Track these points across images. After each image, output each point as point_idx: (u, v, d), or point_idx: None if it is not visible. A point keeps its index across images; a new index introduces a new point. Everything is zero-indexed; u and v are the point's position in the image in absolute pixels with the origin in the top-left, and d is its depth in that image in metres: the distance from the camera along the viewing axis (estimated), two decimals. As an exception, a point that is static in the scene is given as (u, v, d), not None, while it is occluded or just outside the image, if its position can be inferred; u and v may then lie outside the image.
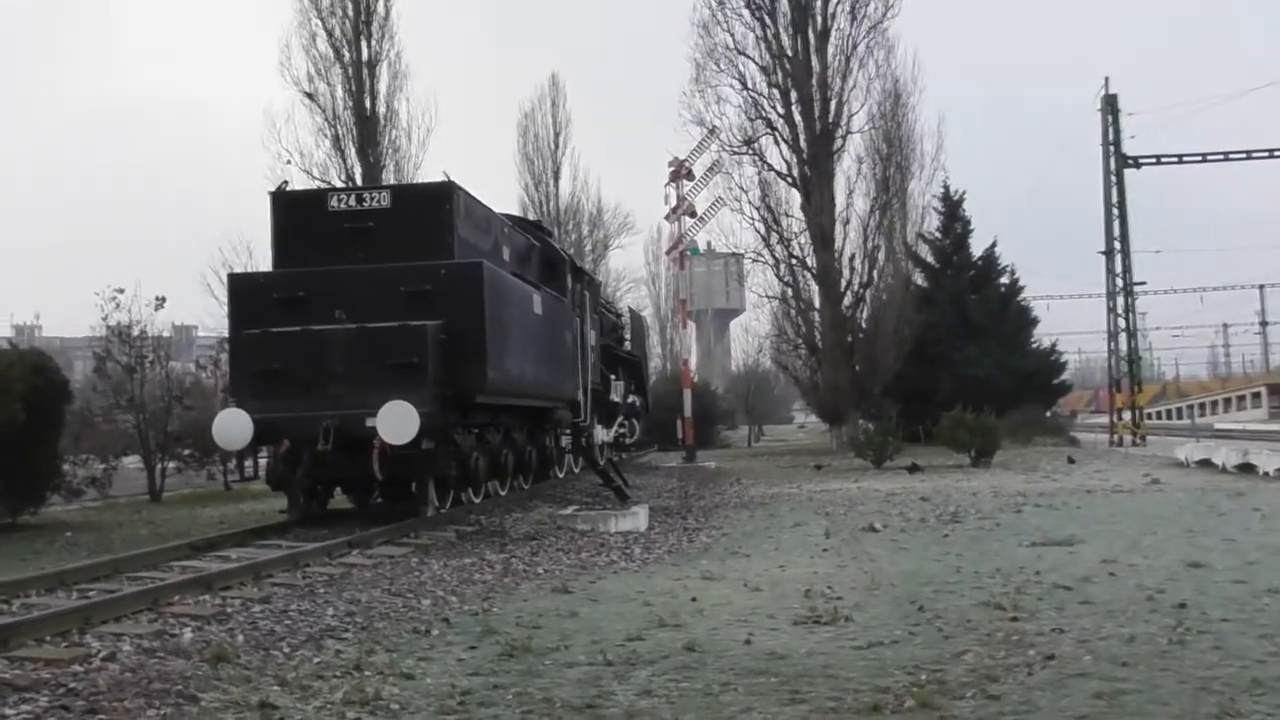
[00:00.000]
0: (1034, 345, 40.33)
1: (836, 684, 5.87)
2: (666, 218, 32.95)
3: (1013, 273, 39.93)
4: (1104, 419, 40.18)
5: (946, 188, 38.64)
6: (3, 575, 10.05)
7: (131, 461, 22.75)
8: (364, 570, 10.00)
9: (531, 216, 37.12)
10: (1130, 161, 34.70)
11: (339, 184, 28.99)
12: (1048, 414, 39.59)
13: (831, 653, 6.62)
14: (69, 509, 18.83)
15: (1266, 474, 19.06)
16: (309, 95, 29.81)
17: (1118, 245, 34.94)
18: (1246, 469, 20.00)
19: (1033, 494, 16.98)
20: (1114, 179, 34.74)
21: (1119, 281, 35.02)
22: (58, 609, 7.77)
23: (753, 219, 33.35)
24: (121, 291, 21.64)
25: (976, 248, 39.93)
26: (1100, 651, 6.42)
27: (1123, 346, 35.60)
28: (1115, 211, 34.82)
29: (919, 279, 37.84)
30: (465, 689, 5.95)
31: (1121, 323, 35.45)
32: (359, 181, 29.37)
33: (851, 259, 33.44)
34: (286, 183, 17.96)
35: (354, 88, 30.05)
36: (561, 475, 20.49)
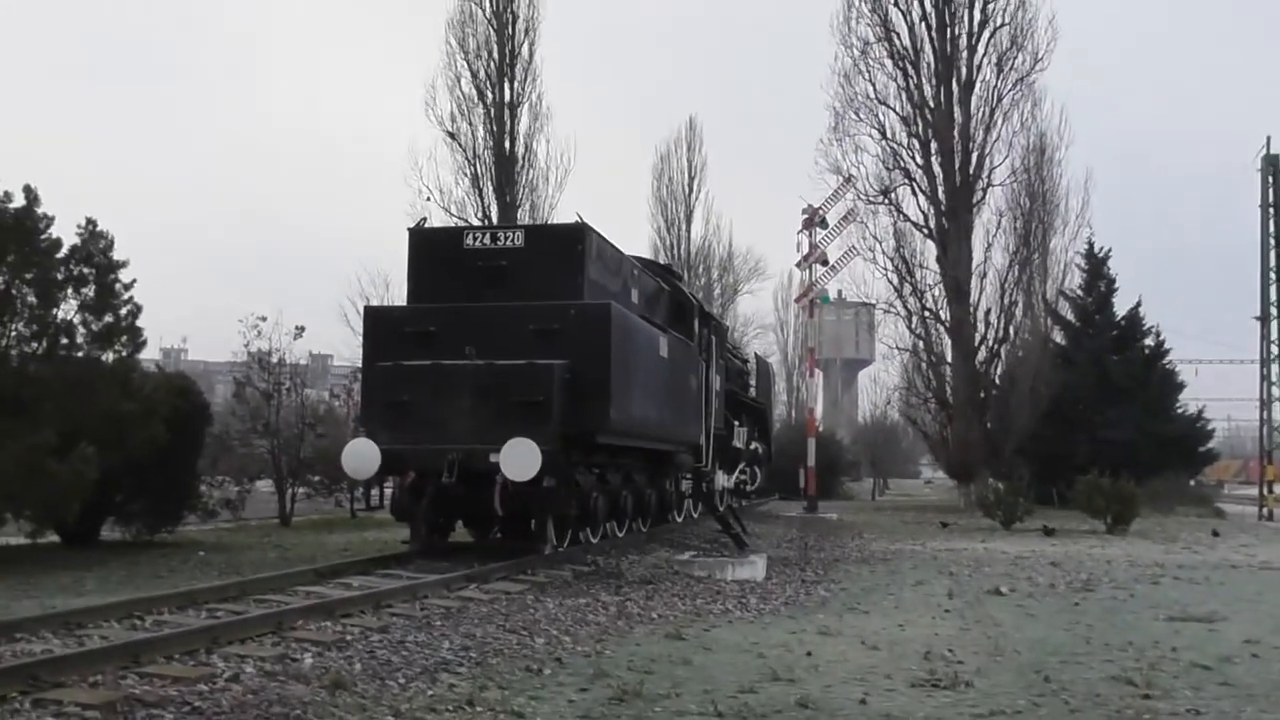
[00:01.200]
0: (1179, 410, 38.70)
1: (953, 753, 5.70)
2: (798, 265, 32.93)
3: (1158, 334, 38.59)
4: (1253, 490, 38.25)
5: (1091, 244, 37.63)
6: (139, 592, 10.53)
7: (264, 485, 23.62)
8: (480, 605, 10.14)
9: (662, 259, 37.46)
10: (1290, 223, 33.21)
11: (475, 222, 29.78)
12: (1191, 483, 37.90)
13: (949, 719, 6.45)
14: (203, 529, 19.65)
15: None
16: (451, 135, 30.75)
17: (1274, 311, 33.39)
18: None
19: (1171, 565, 16.25)
20: (1273, 242, 33.27)
21: (1275, 349, 33.45)
22: (187, 628, 8.08)
23: (886, 269, 33.00)
24: (264, 320, 22.63)
25: (1120, 307, 38.69)
26: (1240, 738, 6.11)
27: (1276, 416, 33.95)
28: (1273, 275, 33.31)
29: (1058, 337, 36.86)
30: (574, 731, 5.98)
31: (1276, 391, 33.83)
32: (495, 220, 30.09)
33: (987, 313, 32.79)
34: (425, 219, 18.56)
35: (495, 128, 30.84)
36: (680, 520, 20.46)
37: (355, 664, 7.41)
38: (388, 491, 21.09)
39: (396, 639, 8.30)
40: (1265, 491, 33.87)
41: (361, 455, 12.78)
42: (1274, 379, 33.76)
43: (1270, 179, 33.49)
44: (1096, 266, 38.36)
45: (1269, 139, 33.94)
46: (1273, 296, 33.49)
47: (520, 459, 12.11)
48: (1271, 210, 33.46)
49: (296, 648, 7.76)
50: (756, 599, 11.69)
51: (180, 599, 9.71)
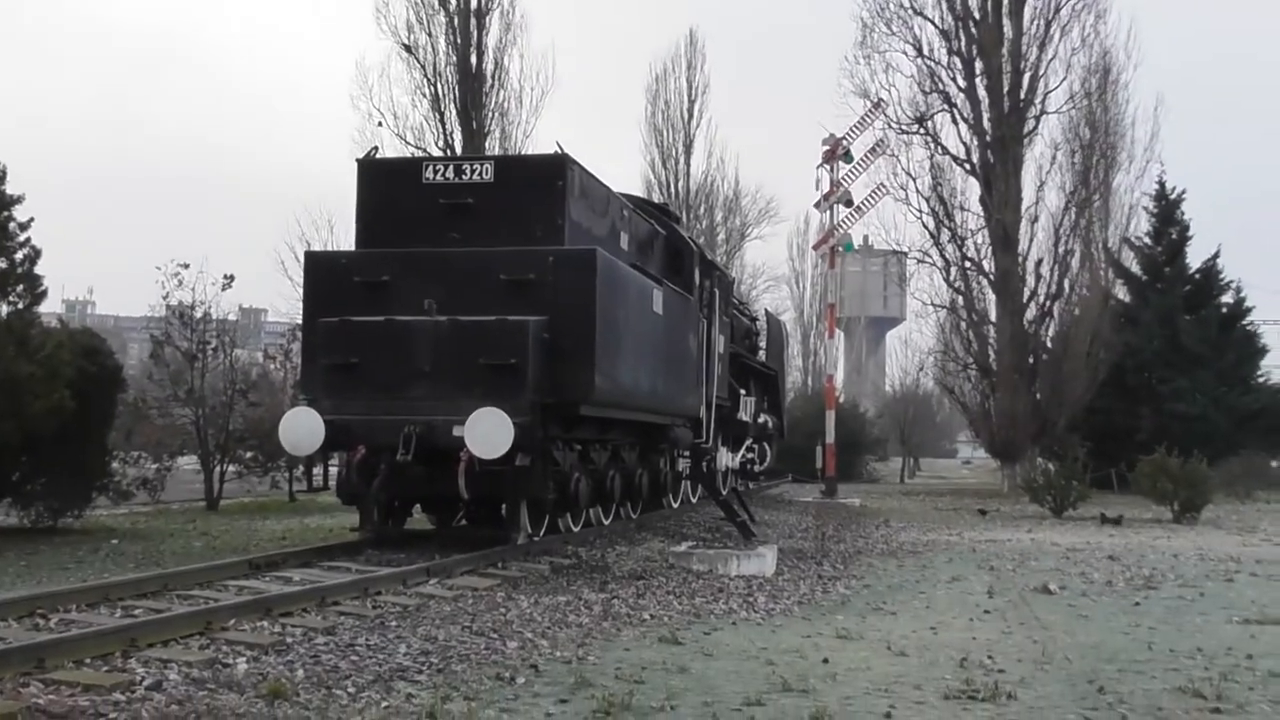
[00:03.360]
0: (1261, 380, 38.93)
1: (992, 775, 5.80)
2: (817, 205, 32.80)
3: (1238, 290, 38.73)
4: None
5: (1161, 184, 37.68)
6: (41, 586, 10.59)
7: (187, 463, 23.70)
8: (443, 603, 10.22)
9: (657, 197, 37.43)
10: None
11: (436, 152, 29.68)
12: (1274, 464, 38.20)
13: (989, 737, 6.56)
14: (116, 513, 19.72)
15: None
16: (407, 47, 30.64)
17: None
18: None
19: (1249, 560, 16.42)
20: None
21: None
22: (100, 628, 8.13)
23: (920, 211, 33.19)
24: (186, 267, 22.58)
25: (1195, 258, 38.76)
26: (1324, 759, 6.22)
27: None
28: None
29: (1121, 293, 36.97)
30: (552, 749, 6.06)
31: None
32: (459, 149, 30.01)
33: (1038, 264, 33.01)
34: (375, 149, 18.47)
35: (459, 40, 30.69)
36: (676, 505, 20.59)
37: (297, 670, 7.47)
38: (333, 470, 21.27)
39: (345, 641, 8.36)
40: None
41: (302, 427, 12.79)
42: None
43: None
44: (1168, 210, 38.39)
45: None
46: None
47: (489, 432, 12.15)
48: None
49: (228, 651, 7.82)
50: (765, 597, 11.77)
51: (91, 594, 9.76)
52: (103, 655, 7.41)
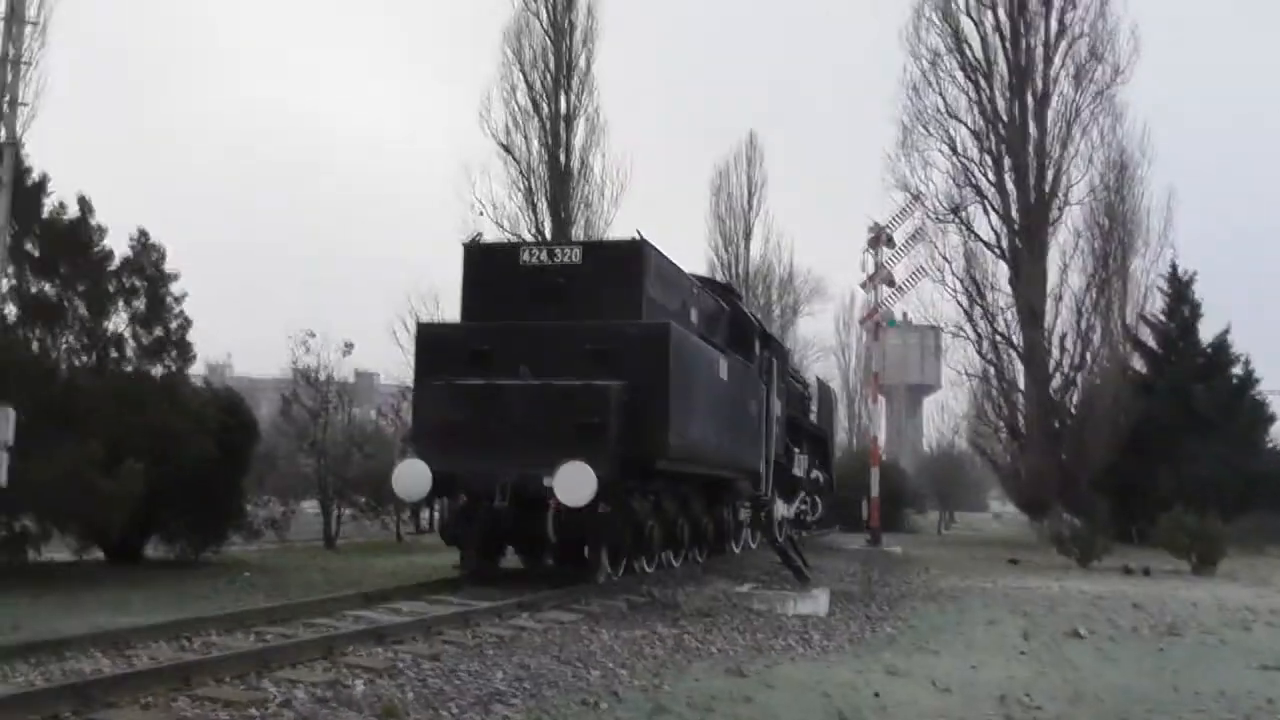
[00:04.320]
0: (1270, 445, 37.83)
1: (1035, 804, 5.62)
2: (862, 285, 32.70)
3: (1247, 362, 37.66)
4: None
5: (1174, 266, 36.90)
6: (185, 612, 10.69)
7: (309, 506, 23.89)
8: (533, 634, 10.18)
9: (720, 278, 37.41)
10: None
11: (529, 237, 29.97)
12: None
13: (1029, 768, 6.36)
14: (248, 549, 19.91)
15: None
16: (505, 148, 30.97)
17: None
18: None
19: (1264, 610, 15.84)
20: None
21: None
22: (238, 650, 8.22)
23: (955, 291, 32.79)
24: (313, 335, 22.92)
25: (1206, 333, 37.93)
26: (1343, 797, 5.95)
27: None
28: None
29: (1138, 364, 36.22)
30: (634, 769, 5.98)
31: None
32: (549, 235, 30.24)
33: (1063, 338, 32.43)
34: (479, 234, 18.69)
35: (550, 141, 31.02)
36: (738, 550, 20.36)
37: (407, 692, 7.46)
38: (437, 515, 21.31)
39: (448, 667, 8.35)
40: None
41: (413, 476, 12.89)
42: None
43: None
44: (1180, 290, 37.64)
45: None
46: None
47: (575, 483, 12.15)
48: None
49: (348, 673, 7.84)
50: (819, 635, 11.58)
51: (228, 621, 9.86)
52: (239, 675, 7.47)
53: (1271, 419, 38.21)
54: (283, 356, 23.73)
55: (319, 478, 22.71)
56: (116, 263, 15.77)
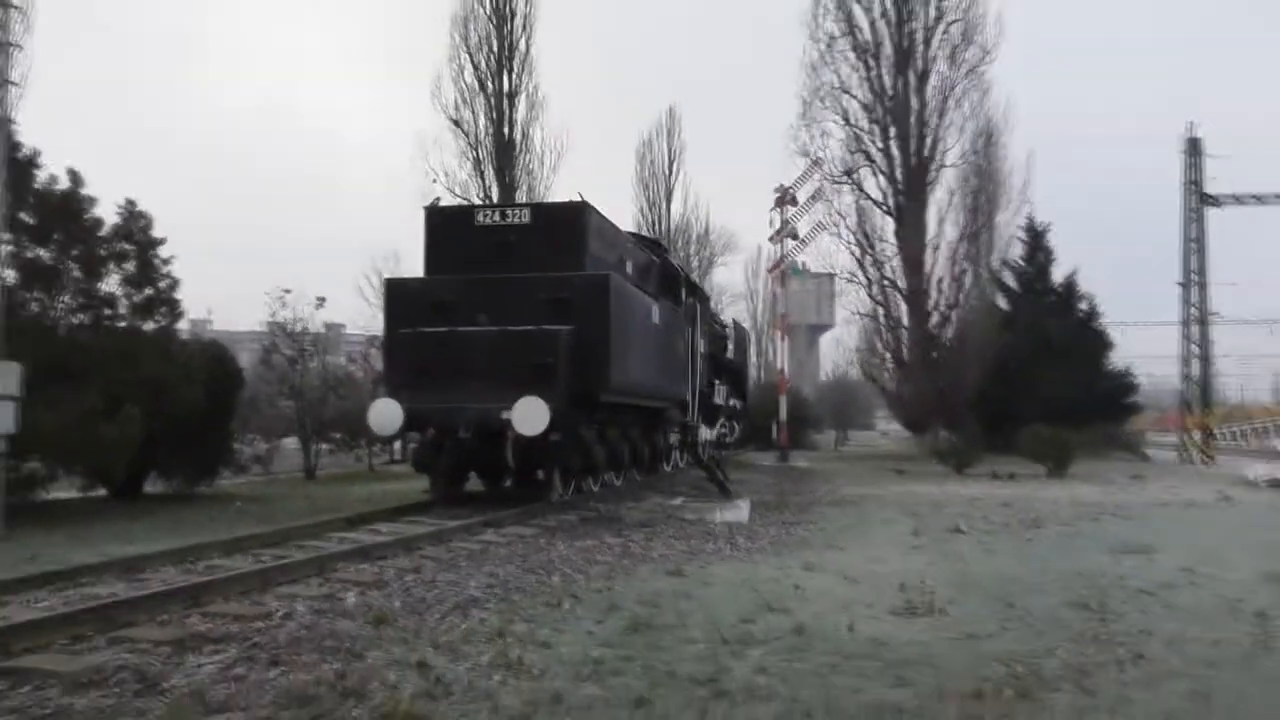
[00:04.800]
0: (1109, 368, 38.97)
1: (938, 672, 5.76)
2: (771, 239, 32.89)
3: (1090, 299, 38.74)
4: (1171, 438, 38.72)
5: (1031, 219, 37.67)
6: (186, 539, 10.51)
7: (290, 443, 23.53)
8: (499, 547, 10.17)
9: (646, 234, 37.23)
10: (1210, 200, 33.48)
11: (478, 202, 29.54)
12: (1119, 431, 38.23)
13: (930, 643, 6.51)
14: (236, 482, 19.55)
15: (1338, 496, 18.11)
16: (455, 122, 30.41)
17: (1195, 278, 33.72)
18: (1317, 490, 19.03)
19: (1108, 504, 16.39)
20: (1193, 215, 33.52)
21: (1194, 311, 33.82)
22: (242, 570, 8.08)
23: (849, 243, 33.01)
24: (289, 292, 22.47)
25: (1057, 275, 38.85)
26: (1188, 654, 6.20)
27: (1194, 371, 34.41)
28: (1194, 246, 33.59)
29: (1002, 303, 36.94)
30: (597, 658, 6.00)
31: (1195, 349, 34.23)
32: (495, 200, 29.83)
33: (940, 282, 32.81)
34: (439, 199, 18.36)
35: (495, 116, 30.51)
36: (669, 470, 20.51)
37: (395, 601, 7.42)
38: (406, 446, 21.07)
39: (428, 578, 8.32)
40: (1185, 439, 34.34)
41: (387, 414, 12.73)
42: (1194, 339, 34.11)
43: (1192, 159, 33.70)
44: (1036, 239, 38.48)
45: (1190, 123, 34.16)
46: (1192, 265, 33.79)
47: (530, 416, 12.10)
48: (1192, 186, 33.67)
49: (340, 587, 7.78)
50: (744, 539, 11.72)
51: (228, 545, 9.72)
52: (244, 593, 7.38)
53: (1110, 346, 39.42)
54: (259, 312, 23.25)
55: (298, 418, 22.34)
56: (107, 229, 15.20)
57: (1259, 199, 34.12)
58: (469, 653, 6.09)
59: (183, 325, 18.25)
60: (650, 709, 5.08)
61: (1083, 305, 38.61)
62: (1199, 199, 33.47)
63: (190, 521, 13.16)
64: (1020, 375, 33.72)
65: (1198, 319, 33.94)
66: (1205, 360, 34.63)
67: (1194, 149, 33.66)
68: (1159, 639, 6.58)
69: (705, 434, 21.25)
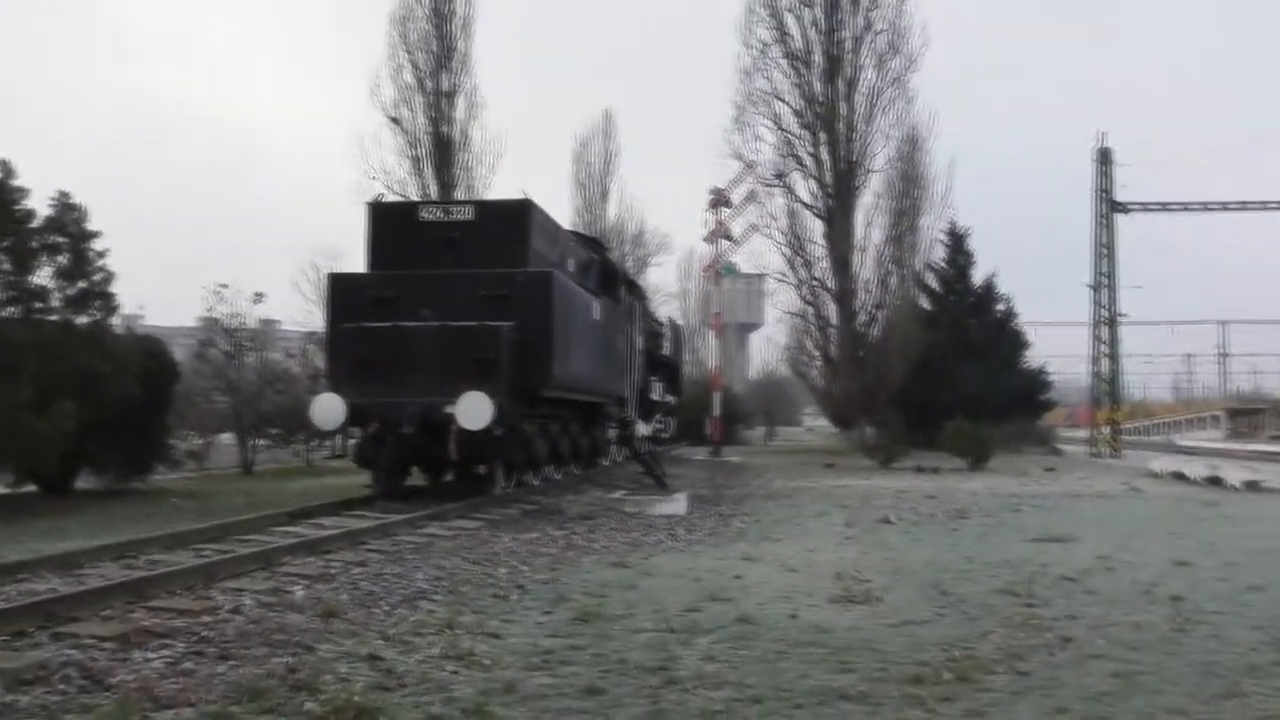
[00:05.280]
0: (1025, 366, 40.00)
1: (879, 657, 5.84)
2: (706, 239, 33.13)
3: (1008, 301, 39.72)
4: (1082, 433, 39.90)
5: (953, 224, 38.42)
6: (119, 536, 10.20)
7: (226, 437, 22.98)
8: (444, 540, 10.06)
9: (586, 233, 37.13)
10: (1119, 207, 34.57)
11: (415, 199, 29.15)
12: (1034, 426, 39.25)
13: (869, 629, 6.60)
14: (171, 477, 19.02)
15: (1234, 487, 18.82)
16: (394, 120, 29.99)
17: (1104, 280, 34.79)
18: (1214, 482, 19.73)
19: (1027, 496, 16.81)
20: (1104, 221, 34.57)
21: (1104, 313, 34.92)
22: (185, 565, 7.86)
23: (780, 244, 33.40)
24: (226, 286, 21.95)
25: (977, 277, 39.72)
26: (1111, 636, 6.38)
27: (1103, 369, 35.55)
28: (1104, 250, 34.65)
29: (925, 303, 37.66)
30: (547, 649, 5.96)
31: (1104, 348, 35.34)
32: (434, 198, 29.48)
33: (867, 283, 33.41)
34: (382, 195, 18.07)
35: (434, 115, 30.16)
36: (608, 463, 20.51)
37: (342, 594, 7.29)
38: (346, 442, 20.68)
39: (375, 571, 8.19)
40: (1095, 433, 35.45)
41: (329, 409, 12.52)
42: (1104, 339, 35.23)
43: (1103, 167, 34.77)
44: (958, 242, 39.28)
45: (1102, 133, 35.22)
46: (1102, 269, 34.87)
47: (473, 410, 12.00)
48: (1102, 194, 34.73)
49: (287, 581, 7.62)
50: (684, 530, 11.77)
51: (169, 540, 9.45)
52: (189, 587, 7.18)
53: (1026, 345, 40.51)
54: (192, 308, 22.65)
55: (235, 413, 21.82)
56: (39, 221, 14.64)
57: (1164, 206, 35.35)
58: (419, 644, 6.01)
59: (115, 320, 17.71)
60: (603, 697, 5.06)
61: (1000, 306, 39.56)
62: (1108, 206, 34.51)
63: (124, 517, 12.76)
64: (942, 373, 34.43)
65: (1106, 320, 35.03)
66: (1114, 359, 35.76)
67: (1104, 158, 34.74)
68: (1083, 623, 6.76)
69: (642, 429, 21.28)
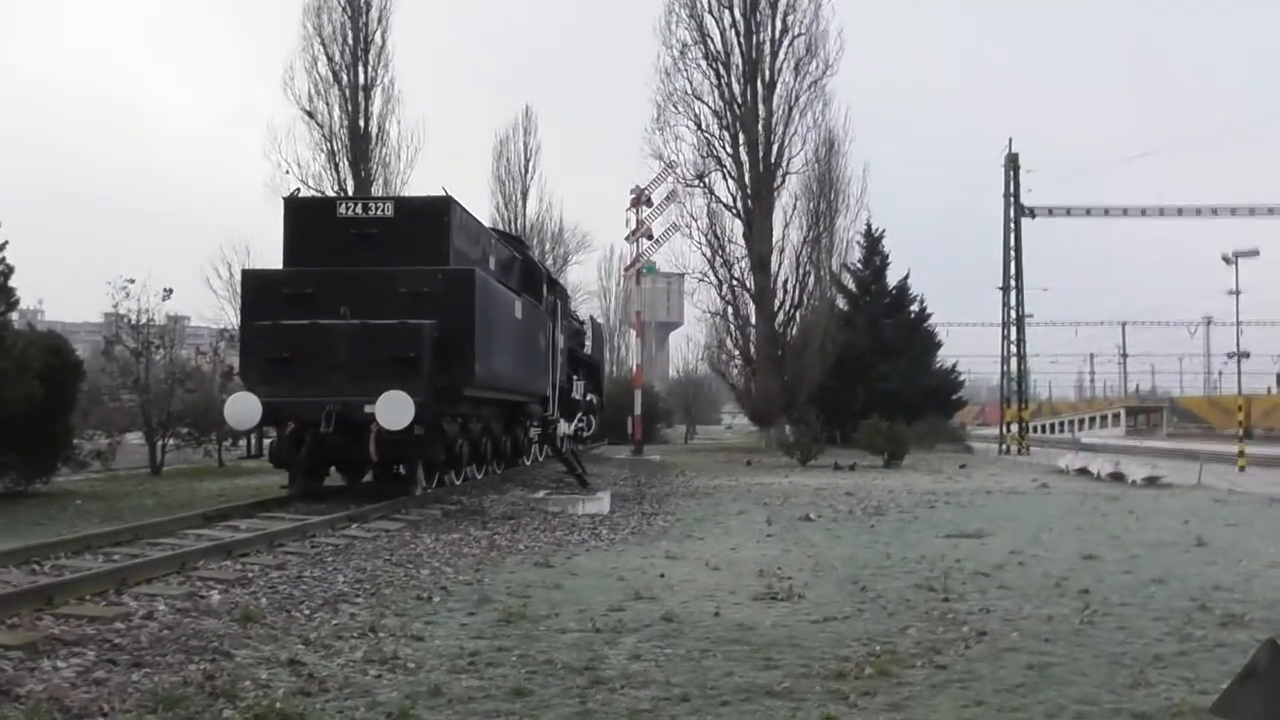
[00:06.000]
0: (937, 365, 41.01)
1: (802, 653, 5.94)
2: (627, 238, 33.24)
3: (922, 301, 40.65)
4: (991, 430, 41.05)
5: (869, 225, 39.23)
6: (28, 539, 9.79)
7: (133, 437, 22.19)
8: (365, 542, 9.89)
9: (507, 231, 36.87)
10: (1027, 212, 35.72)
11: (331, 194, 28.61)
12: (946, 424, 40.26)
13: (792, 626, 6.70)
14: (74, 479, 18.31)
15: (1135, 482, 19.57)
16: (309, 113, 29.42)
17: (1013, 283, 35.90)
18: (1117, 477, 20.49)
19: (941, 492, 17.20)
20: (1012, 225, 35.68)
21: (1013, 314, 36.06)
22: (95, 570, 7.59)
23: (700, 244, 33.62)
24: (132, 282, 21.16)
25: (892, 278, 40.58)
26: (1024, 629, 6.58)
27: (1012, 369, 36.69)
28: (1012, 253, 35.76)
29: (842, 303, 38.30)
30: (473, 650, 5.92)
31: (1013, 349, 36.48)
32: (350, 193, 28.98)
33: (785, 283, 33.80)
34: (298, 190, 17.66)
35: (350, 108, 29.68)
36: (529, 463, 20.40)
37: (261, 598, 7.12)
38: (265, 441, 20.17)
39: (294, 574, 8.02)
40: (1004, 431, 36.55)
41: (244, 408, 12.21)
42: (1012, 339, 36.39)
43: (1011, 174, 35.87)
44: (873, 244, 40.05)
45: (1010, 140, 36.41)
46: (1012, 270, 35.98)
47: (394, 410, 11.82)
48: (1011, 199, 35.85)
49: (202, 586, 7.41)
50: (607, 530, 11.78)
51: (76, 544, 9.11)
52: (99, 593, 6.92)
53: (939, 345, 41.59)
54: (96, 303, 21.79)
55: (143, 411, 21.07)
56: (-68, 213, 13.97)
57: (1068, 211, 36.68)
58: (341, 649, 5.91)
59: (14, 316, 16.98)
60: (530, 699, 5.05)
61: (914, 307, 40.45)
62: (1017, 210, 35.63)
63: (27, 521, 12.28)
64: (858, 372, 35.09)
65: (1015, 320, 36.16)
66: (1021, 359, 36.93)
67: (1013, 164, 35.84)
68: (997, 616, 6.97)
69: (564, 428, 21.22)
